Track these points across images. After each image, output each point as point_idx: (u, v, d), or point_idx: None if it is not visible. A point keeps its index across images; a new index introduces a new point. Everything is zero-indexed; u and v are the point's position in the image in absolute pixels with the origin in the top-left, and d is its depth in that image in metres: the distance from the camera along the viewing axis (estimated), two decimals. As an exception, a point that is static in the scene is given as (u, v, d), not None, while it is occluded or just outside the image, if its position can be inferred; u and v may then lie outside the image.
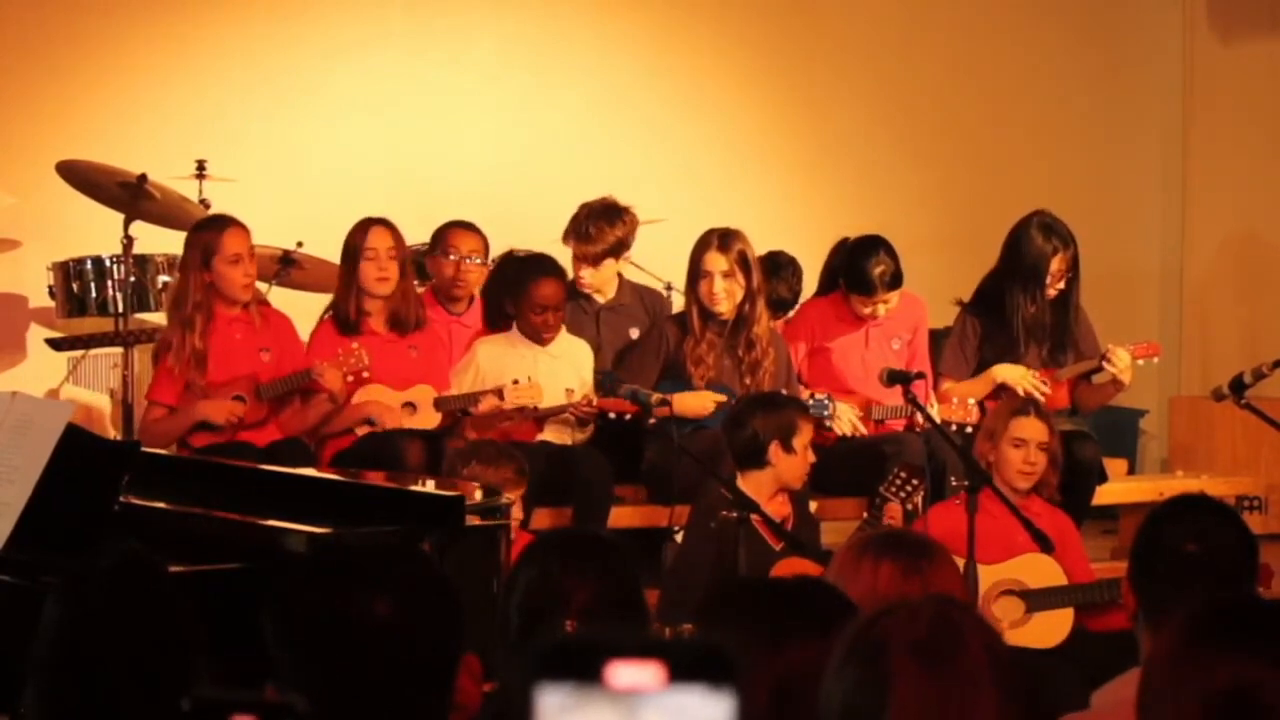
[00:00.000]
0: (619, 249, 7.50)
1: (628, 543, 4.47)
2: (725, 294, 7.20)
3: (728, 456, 6.62)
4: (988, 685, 2.33)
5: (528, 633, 3.10)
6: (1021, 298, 7.49)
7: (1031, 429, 6.53)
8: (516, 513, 5.92)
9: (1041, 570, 6.41)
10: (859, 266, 7.44)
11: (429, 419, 7.08)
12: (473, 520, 4.78)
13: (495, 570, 4.68)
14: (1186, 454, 9.77)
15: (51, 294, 7.94)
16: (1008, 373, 7.48)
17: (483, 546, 4.74)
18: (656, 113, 9.74)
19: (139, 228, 7.86)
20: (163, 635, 2.87)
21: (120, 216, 7.83)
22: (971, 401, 7.24)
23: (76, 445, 4.45)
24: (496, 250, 8.15)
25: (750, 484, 6.41)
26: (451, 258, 7.43)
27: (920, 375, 6.79)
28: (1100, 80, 10.65)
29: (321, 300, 7.50)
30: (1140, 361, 7.56)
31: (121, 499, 4.49)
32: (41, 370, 8.27)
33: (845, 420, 7.31)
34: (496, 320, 7.41)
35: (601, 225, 7.44)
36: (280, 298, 7.78)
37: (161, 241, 7.92)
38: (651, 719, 1.29)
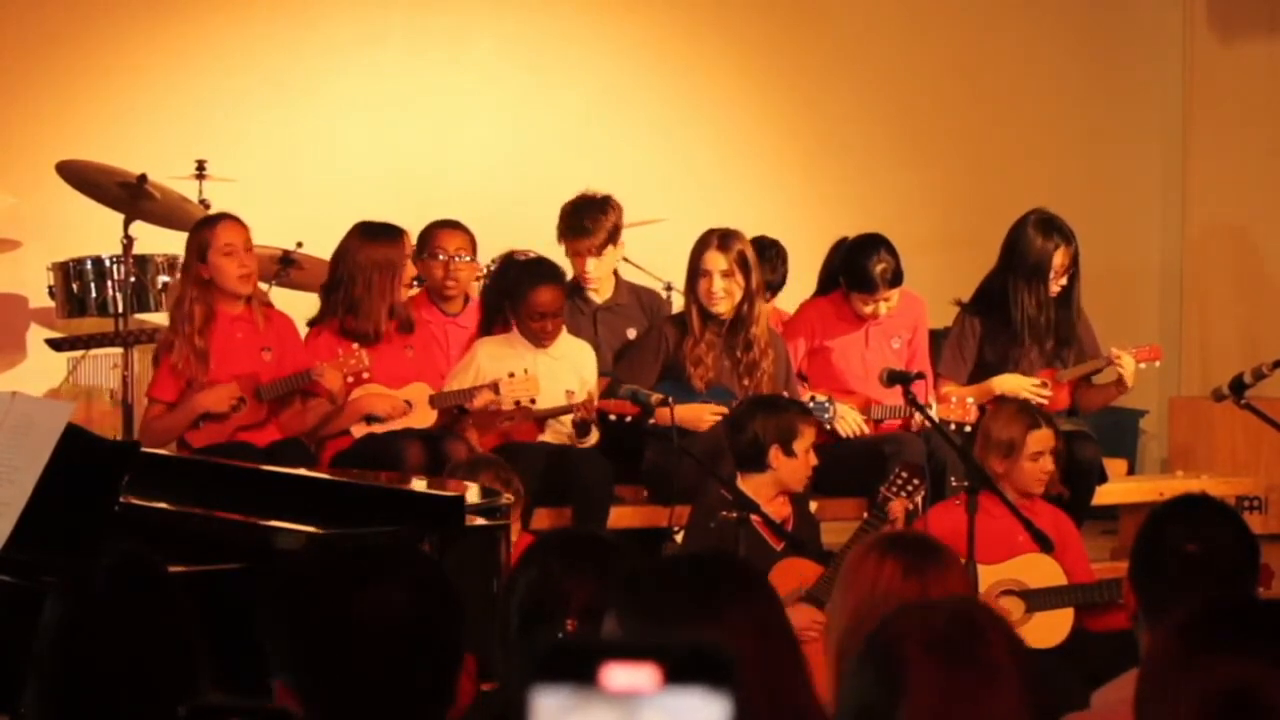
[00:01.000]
0: (616, 234, 7.52)
1: (628, 543, 4.47)
2: (724, 293, 7.19)
3: (728, 456, 6.62)
4: (1011, 680, 2.33)
5: (528, 633, 3.10)
6: (1025, 295, 7.48)
7: (1046, 439, 6.55)
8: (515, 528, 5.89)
9: (1041, 570, 6.41)
10: (859, 265, 7.44)
11: (425, 416, 7.07)
12: (473, 520, 4.78)
13: (495, 570, 4.68)
14: (1186, 454, 9.76)
15: (51, 294, 7.95)
16: (1007, 383, 7.47)
17: (483, 546, 4.73)
18: (656, 113, 9.74)
19: (139, 228, 7.87)
20: (163, 635, 2.87)
21: (120, 216, 7.84)
22: (970, 401, 7.23)
23: (76, 445, 4.44)
24: (495, 250, 8.16)
25: (750, 486, 6.41)
26: (440, 258, 7.42)
27: (920, 375, 6.78)
28: (1100, 80, 10.66)
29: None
30: (1142, 365, 7.56)
31: (121, 499, 4.49)
32: (41, 370, 8.27)
33: (849, 421, 7.30)
34: (494, 323, 7.40)
35: (595, 215, 7.44)
36: (280, 298, 7.78)
37: (161, 241, 7.93)
38: (649, 721, 1.29)
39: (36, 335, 8.43)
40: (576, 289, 7.58)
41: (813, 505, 6.84)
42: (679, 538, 6.72)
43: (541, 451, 6.97)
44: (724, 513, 6.15)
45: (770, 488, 6.45)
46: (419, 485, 5.78)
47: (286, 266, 7.96)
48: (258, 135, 8.90)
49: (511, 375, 7.02)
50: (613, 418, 7.00)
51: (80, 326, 8.01)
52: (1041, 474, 6.55)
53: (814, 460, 6.50)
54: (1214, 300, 10.58)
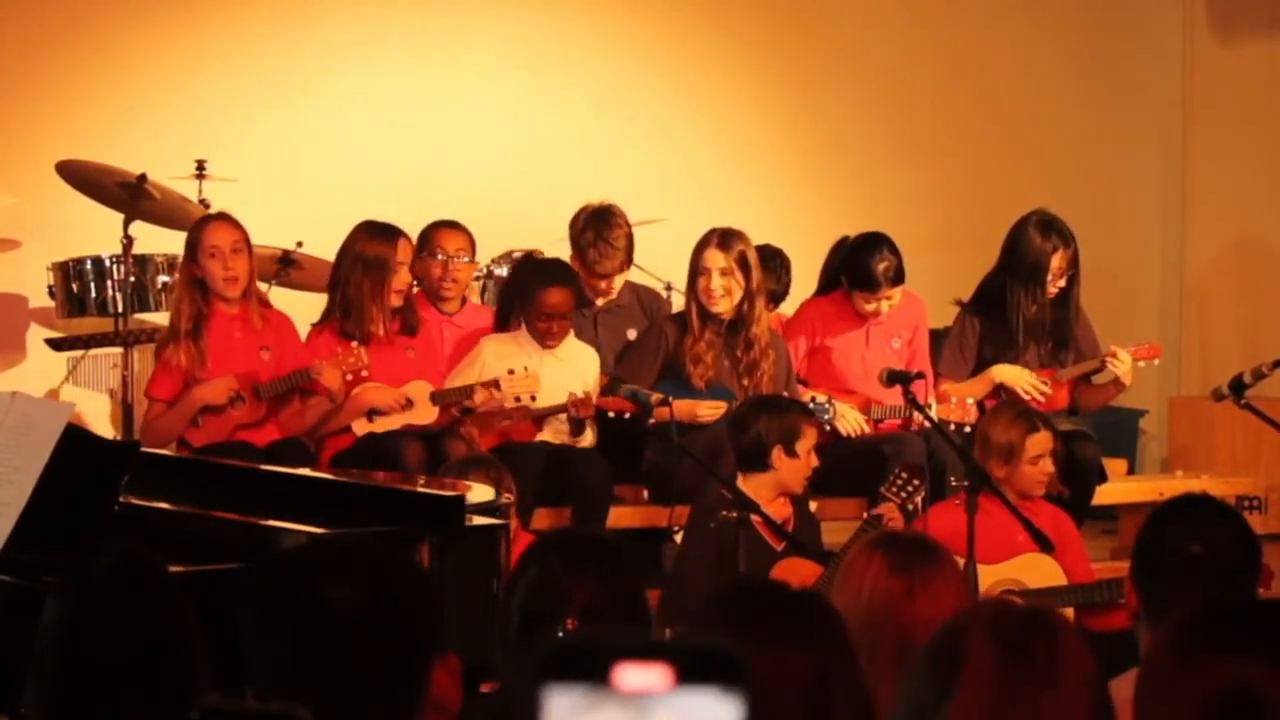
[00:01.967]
0: (632, 244, 7.54)
1: (628, 543, 4.47)
2: (724, 292, 7.19)
3: (727, 456, 6.62)
4: (1073, 692, 2.31)
5: (528, 633, 3.10)
6: (1022, 296, 7.49)
7: (1044, 442, 6.54)
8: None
9: (1041, 570, 6.41)
10: (862, 263, 7.44)
11: (426, 414, 7.07)
12: (473, 520, 4.78)
13: (495, 570, 4.68)
14: (1186, 454, 9.76)
15: (51, 294, 7.94)
16: (1006, 373, 7.48)
17: (483, 546, 4.73)
18: (656, 113, 9.74)
19: (139, 228, 7.86)
20: (163, 635, 2.86)
21: (120, 216, 7.83)
22: (970, 401, 7.23)
23: (76, 445, 4.44)
24: (495, 250, 8.16)
25: (751, 486, 6.41)
26: (439, 257, 7.43)
27: (920, 375, 6.79)
28: (1100, 80, 10.66)
29: (322, 299, 7.49)
30: (1141, 363, 7.56)
31: (121, 499, 4.49)
32: (41, 370, 8.27)
33: (851, 420, 7.30)
34: (510, 323, 7.40)
35: (615, 234, 7.44)
36: (280, 298, 7.78)
37: (161, 241, 7.92)
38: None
39: (36, 335, 8.42)
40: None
41: (813, 505, 6.84)
42: (679, 538, 6.72)
43: (541, 451, 6.97)
44: (724, 513, 6.15)
45: (772, 488, 6.45)
46: (424, 485, 5.78)
47: (286, 266, 7.96)
48: (258, 135, 8.90)
49: (512, 372, 7.02)
50: (611, 415, 7.00)
51: (80, 326, 8.01)
52: (1042, 476, 6.55)
53: (815, 461, 6.50)
54: (1214, 300, 10.58)
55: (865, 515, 6.43)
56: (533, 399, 7.03)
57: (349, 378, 6.96)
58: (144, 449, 4.91)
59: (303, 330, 7.27)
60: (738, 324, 7.24)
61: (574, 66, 9.59)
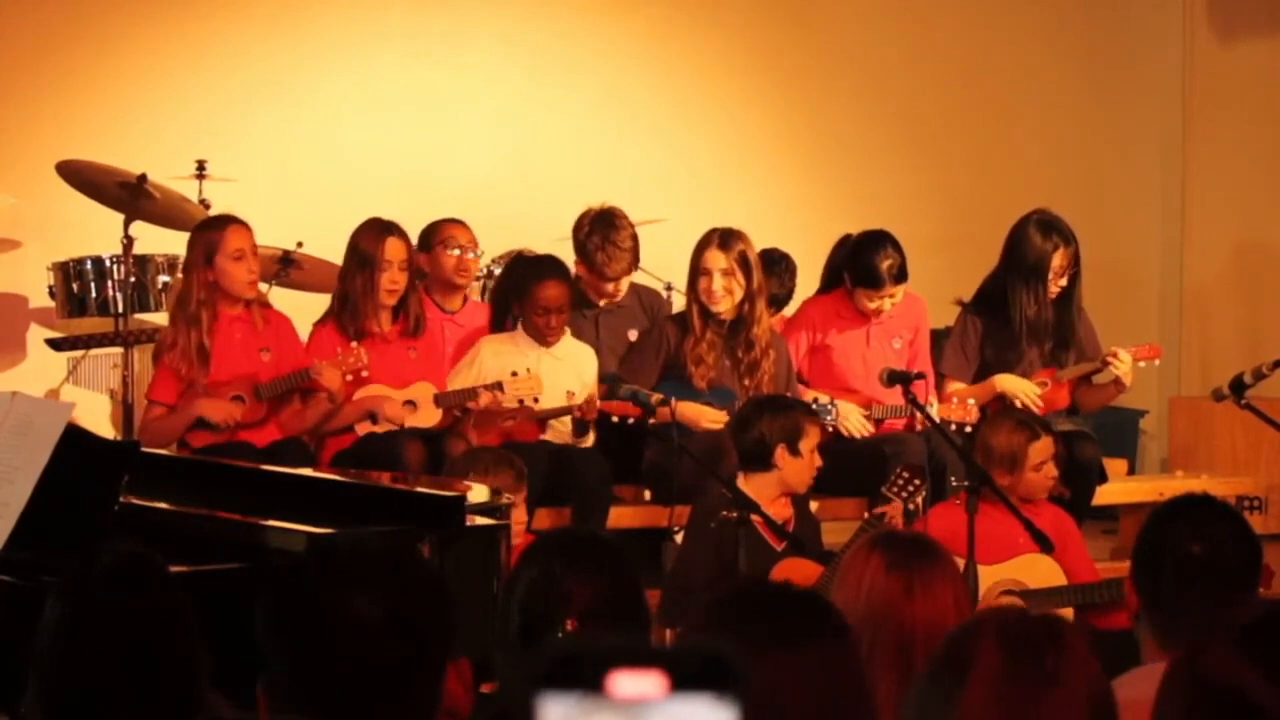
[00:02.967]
0: (638, 245, 7.54)
1: (628, 543, 4.47)
2: (724, 292, 7.19)
3: (728, 456, 6.62)
4: (1075, 700, 2.30)
5: (528, 633, 3.10)
6: (1024, 296, 7.48)
7: (1046, 448, 6.54)
8: (520, 515, 5.91)
9: (1041, 570, 6.41)
10: (866, 260, 7.43)
11: (429, 416, 7.08)
12: (473, 520, 4.78)
13: (495, 570, 4.68)
14: (1186, 454, 9.76)
15: (51, 294, 7.94)
16: (1009, 384, 7.48)
17: (483, 546, 4.73)
18: (656, 113, 9.74)
19: (139, 228, 7.86)
20: (163, 635, 2.86)
21: (120, 216, 7.83)
22: (972, 401, 7.23)
23: (76, 445, 4.44)
24: (496, 250, 8.16)
25: (753, 485, 6.41)
26: (454, 251, 7.43)
27: (921, 375, 6.79)
28: (1100, 80, 10.65)
29: (322, 300, 7.50)
30: (1141, 363, 7.56)
31: (121, 499, 4.49)
32: (41, 370, 8.27)
33: (853, 420, 7.30)
34: (505, 323, 7.40)
35: (621, 236, 7.43)
36: (280, 298, 7.78)
37: (161, 241, 7.92)
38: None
39: (36, 335, 8.42)
40: (578, 292, 7.58)
41: (813, 505, 6.84)
42: (679, 538, 6.72)
43: (542, 451, 6.97)
44: (724, 513, 6.14)
45: (774, 487, 6.45)
46: (424, 485, 5.78)
47: (286, 266, 7.96)
48: (258, 135, 8.90)
49: (515, 374, 7.03)
50: (615, 420, 7.00)
51: (80, 326, 8.01)
52: (1046, 481, 6.56)
53: (818, 462, 6.50)
54: (1214, 300, 10.58)
55: (865, 515, 6.43)
56: (535, 401, 7.04)
57: (349, 378, 6.96)
58: (144, 449, 4.91)
59: (303, 331, 7.27)
60: (739, 324, 7.24)
61: (574, 66, 9.58)
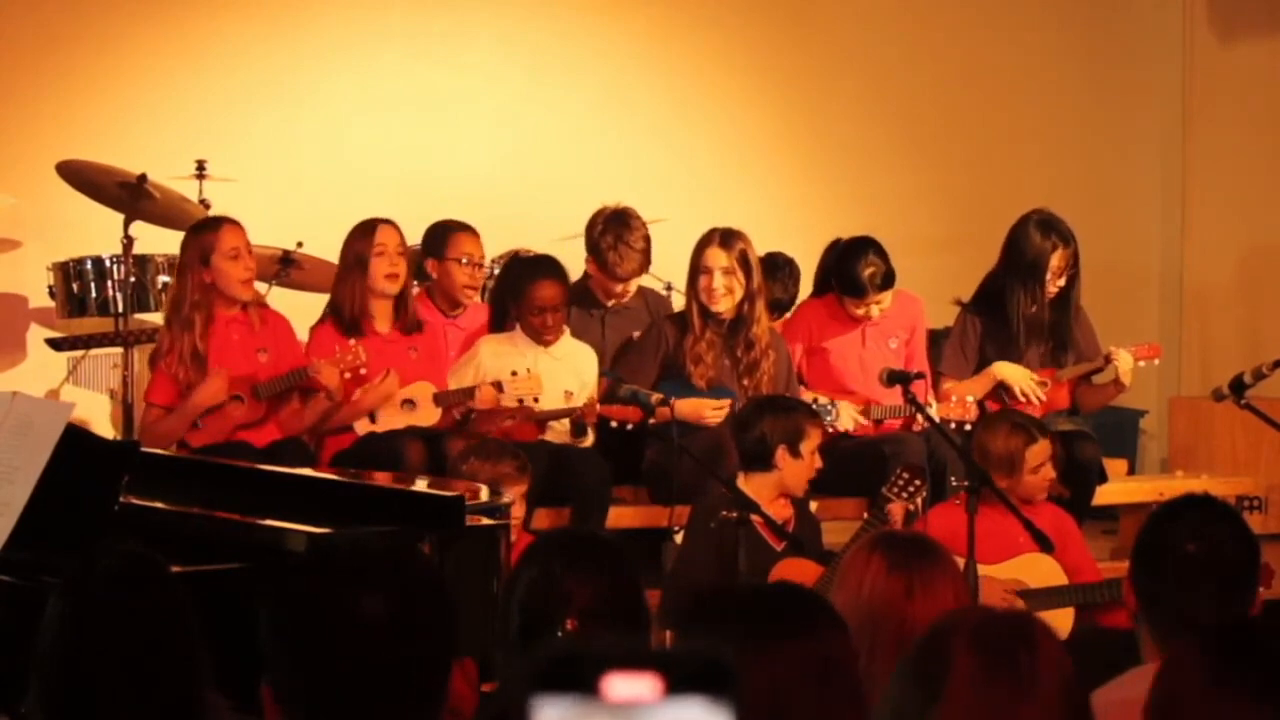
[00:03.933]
0: (649, 246, 7.55)
1: (628, 543, 4.47)
2: (725, 291, 7.19)
3: (728, 456, 6.62)
4: (1049, 701, 2.30)
5: (528, 633, 3.10)
6: (1022, 295, 7.49)
7: (1044, 450, 6.53)
8: (518, 511, 5.92)
9: (1041, 570, 6.41)
10: (849, 269, 7.44)
11: (429, 415, 7.08)
12: (473, 520, 4.78)
13: (495, 570, 4.68)
14: (1186, 454, 9.76)
15: (51, 294, 7.94)
16: (1007, 371, 7.49)
17: (483, 546, 4.73)
18: (656, 113, 9.74)
19: (139, 228, 7.86)
20: (164, 635, 2.87)
21: (120, 216, 7.83)
22: (971, 400, 7.24)
23: (76, 445, 4.44)
24: (496, 250, 8.16)
25: (753, 485, 6.41)
26: (465, 263, 7.43)
27: (920, 375, 6.78)
28: (1100, 80, 10.66)
29: (322, 300, 7.50)
30: (1141, 363, 7.56)
31: (121, 499, 4.49)
32: (41, 370, 8.27)
33: (846, 417, 7.31)
34: (502, 323, 7.40)
35: (633, 236, 7.44)
36: (280, 298, 7.78)
37: (161, 241, 7.92)
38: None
39: (36, 335, 8.42)
40: (585, 293, 7.59)
41: (813, 505, 6.84)
42: (679, 538, 6.72)
43: (541, 451, 6.96)
44: (724, 513, 6.14)
45: (774, 488, 6.45)
46: (425, 485, 5.78)
47: (286, 266, 7.96)
48: (258, 135, 8.90)
49: (515, 374, 7.03)
50: (614, 424, 7.00)
51: (80, 326, 8.01)
52: (1044, 483, 6.56)
53: (819, 463, 6.50)
54: (1214, 300, 10.58)
55: (865, 515, 6.43)
56: (535, 401, 7.04)
57: (347, 375, 6.96)
58: (143, 449, 4.91)
59: (303, 331, 7.27)
60: (738, 324, 7.24)
61: (574, 66, 9.58)
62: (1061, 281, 7.52)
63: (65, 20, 8.73)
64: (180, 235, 7.26)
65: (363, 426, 7.07)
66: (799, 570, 6.11)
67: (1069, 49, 10.62)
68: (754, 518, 6.18)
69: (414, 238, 7.47)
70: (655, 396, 6.96)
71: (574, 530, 5.94)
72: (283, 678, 2.54)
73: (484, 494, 5.24)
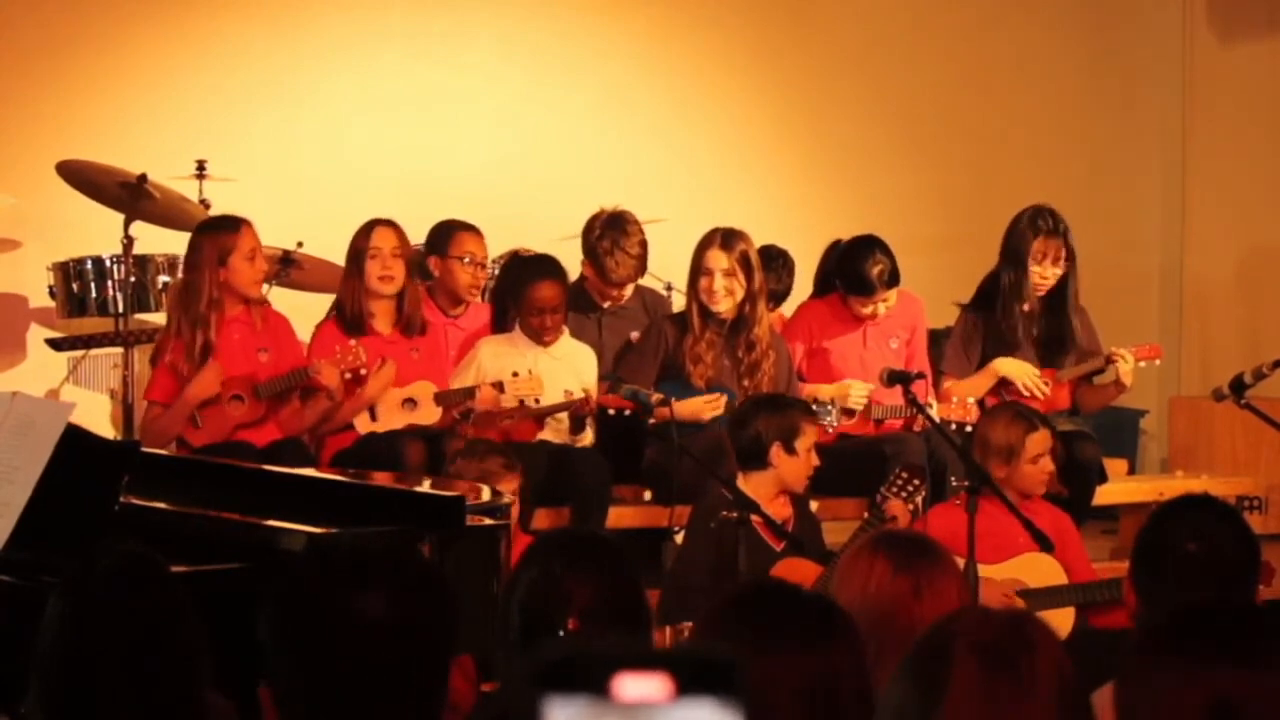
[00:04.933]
0: (646, 250, 7.54)
1: (628, 543, 4.46)
2: (725, 292, 7.19)
3: (728, 456, 6.62)
4: (1049, 700, 2.30)
5: (529, 633, 3.09)
6: (1009, 283, 7.47)
7: (1043, 441, 6.53)
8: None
9: (1041, 570, 6.41)
10: (856, 268, 7.43)
11: (430, 414, 7.08)
12: (474, 520, 4.78)
13: (495, 570, 4.68)
14: (1186, 454, 9.76)
15: (51, 294, 7.94)
16: (1009, 366, 7.49)
17: (483, 546, 4.73)
18: (656, 113, 9.74)
19: (139, 228, 7.86)
20: (164, 635, 2.86)
21: (120, 216, 7.83)
22: (971, 400, 7.24)
23: (76, 445, 4.44)
24: (496, 250, 8.15)
25: (752, 485, 6.41)
26: (467, 262, 7.43)
27: (920, 375, 6.79)
28: (1100, 80, 10.66)
29: (321, 300, 7.50)
30: (1141, 363, 7.56)
31: (121, 499, 4.49)
32: (41, 370, 8.27)
33: (854, 394, 7.30)
34: (504, 323, 7.40)
35: (629, 243, 7.43)
36: (280, 298, 7.78)
37: (161, 241, 7.92)
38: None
39: (36, 335, 8.42)
40: (581, 295, 7.59)
41: (813, 505, 6.84)
42: (679, 538, 6.72)
43: (542, 451, 6.97)
44: (724, 513, 6.14)
45: (771, 486, 6.45)
46: (425, 485, 5.78)
47: (287, 266, 7.96)
48: (258, 135, 8.90)
49: (516, 374, 7.03)
50: (611, 412, 7.00)
51: (80, 326, 8.01)
52: (1043, 475, 6.55)
53: (815, 460, 6.50)
54: (1214, 300, 10.58)
55: (865, 515, 6.43)
56: (536, 401, 7.04)
57: (347, 375, 6.96)
58: (144, 449, 4.91)
59: (304, 330, 7.28)
60: (739, 324, 7.24)
61: (574, 66, 9.58)
62: (1051, 272, 7.48)
63: (65, 20, 8.73)
64: (180, 235, 7.26)
65: (363, 426, 7.07)
66: (798, 570, 6.11)
67: (1069, 49, 10.62)
68: (754, 518, 6.18)
69: (414, 238, 7.47)
70: (655, 396, 6.96)
71: (574, 530, 5.93)
72: (282, 678, 2.54)
73: (485, 494, 5.24)
